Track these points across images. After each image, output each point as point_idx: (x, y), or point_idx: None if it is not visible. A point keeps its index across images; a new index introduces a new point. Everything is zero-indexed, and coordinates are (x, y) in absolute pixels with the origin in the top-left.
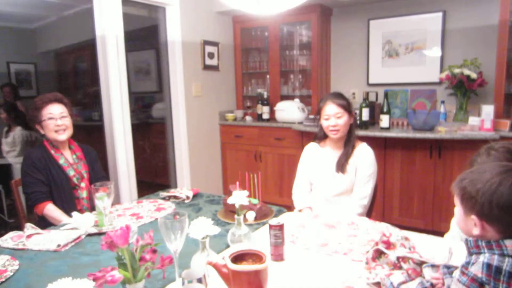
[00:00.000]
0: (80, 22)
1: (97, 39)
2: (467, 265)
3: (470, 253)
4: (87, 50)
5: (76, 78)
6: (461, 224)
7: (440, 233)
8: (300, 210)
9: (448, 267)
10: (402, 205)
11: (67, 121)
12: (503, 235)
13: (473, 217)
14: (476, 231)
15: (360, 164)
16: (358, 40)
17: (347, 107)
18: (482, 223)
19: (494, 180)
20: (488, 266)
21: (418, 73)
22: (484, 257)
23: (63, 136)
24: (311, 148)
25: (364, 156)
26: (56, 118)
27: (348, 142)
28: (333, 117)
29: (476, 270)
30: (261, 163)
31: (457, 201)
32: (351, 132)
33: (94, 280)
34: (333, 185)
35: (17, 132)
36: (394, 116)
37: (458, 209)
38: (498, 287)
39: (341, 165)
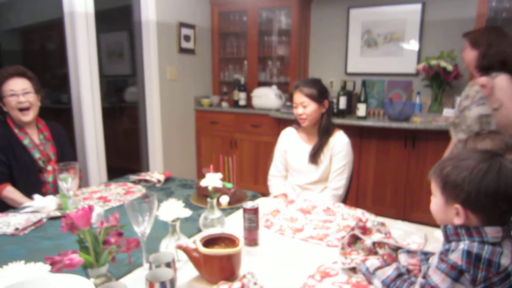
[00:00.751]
0: None
1: (65, 16)
2: (446, 252)
3: (449, 241)
4: (56, 29)
5: (44, 59)
6: (440, 213)
7: (411, 222)
8: (275, 197)
9: (425, 253)
10: (376, 193)
11: (31, 98)
12: (484, 223)
13: (457, 206)
14: (458, 220)
15: (334, 155)
16: (338, 29)
17: (315, 96)
18: (466, 211)
19: (480, 167)
20: (468, 253)
21: (396, 64)
22: (464, 244)
23: (28, 117)
24: (288, 133)
25: (338, 147)
26: (18, 95)
27: (321, 132)
28: (300, 105)
29: (456, 257)
30: (236, 150)
31: (436, 190)
32: (325, 122)
33: (51, 264)
34: (307, 175)
35: None
36: (371, 106)
37: (437, 198)
38: (477, 275)
39: (314, 157)
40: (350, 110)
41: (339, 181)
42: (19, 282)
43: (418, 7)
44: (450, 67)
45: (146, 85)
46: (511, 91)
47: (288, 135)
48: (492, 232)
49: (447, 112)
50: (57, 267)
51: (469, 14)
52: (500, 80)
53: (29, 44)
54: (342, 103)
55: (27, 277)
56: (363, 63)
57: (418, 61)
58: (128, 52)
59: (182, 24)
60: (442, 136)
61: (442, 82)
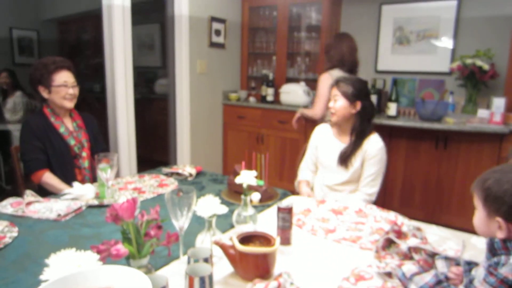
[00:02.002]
0: None
1: (104, 9)
2: (495, 265)
3: (496, 254)
4: (91, 20)
5: (78, 48)
6: (483, 227)
7: (440, 225)
8: (299, 182)
9: (468, 263)
10: (404, 194)
11: (77, 90)
12: None
13: (499, 219)
14: (501, 233)
15: (367, 159)
16: (369, 25)
17: (348, 94)
18: (508, 225)
19: None
20: None
21: (428, 62)
22: None
23: (71, 104)
24: (321, 129)
25: (372, 151)
26: (69, 87)
27: (353, 133)
28: (332, 99)
29: (507, 271)
30: (262, 145)
31: (478, 203)
32: (357, 123)
33: (98, 252)
34: (335, 174)
35: (18, 97)
36: (401, 105)
37: (479, 212)
38: None
39: (344, 160)
40: (380, 108)
41: (372, 187)
42: (80, 272)
43: (453, 3)
44: (486, 66)
45: (176, 78)
46: None
47: (321, 131)
48: None
49: (482, 113)
50: (103, 255)
51: (507, 12)
52: None
53: (66, 34)
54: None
55: (81, 266)
56: (394, 61)
57: (452, 60)
58: (158, 44)
59: (213, 19)
60: (476, 138)
61: (478, 82)
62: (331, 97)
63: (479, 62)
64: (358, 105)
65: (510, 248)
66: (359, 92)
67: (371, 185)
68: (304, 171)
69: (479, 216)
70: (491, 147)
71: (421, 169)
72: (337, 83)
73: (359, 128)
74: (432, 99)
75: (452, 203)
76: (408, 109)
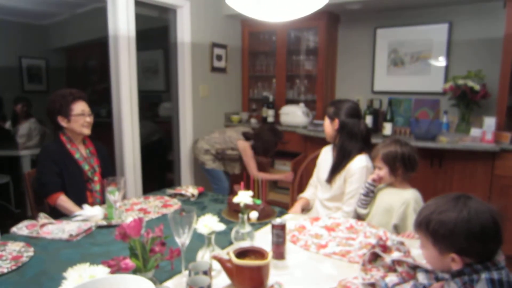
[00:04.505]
0: (91, 21)
1: (110, 39)
2: (471, 282)
3: (463, 273)
4: (97, 48)
5: (85, 75)
6: (437, 263)
7: None
8: (299, 198)
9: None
10: None
11: (92, 119)
12: (481, 259)
13: (453, 255)
14: (456, 266)
15: (348, 177)
16: (365, 48)
17: (330, 113)
18: (461, 257)
19: (462, 216)
20: (492, 281)
21: (423, 83)
22: (485, 273)
23: (89, 131)
24: (326, 148)
25: (351, 170)
26: (86, 115)
27: (336, 151)
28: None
29: (481, 287)
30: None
31: (427, 243)
32: (339, 141)
33: (109, 267)
34: (323, 190)
35: (32, 124)
36: (397, 124)
37: (429, 250)
38: None
39: (330, 175)
40: (376, 128)
41: (349, 205)
42: (94, 280)
43: (445, 26)
44: (477, 87)
45: (180, 101)
46: None
47: (325, 150)
48: (500, 258)
49: (475, 132)
50: (113, 270)
51: (497, 34)
52: None
53: (73, 61)
54: (368, 121)
55: (95, 276)
56: (390, 81)
57: (446, 80)
58: (162, 69)
59: (215, 44)
60: (469, 156)
61: (470, 102)
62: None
63: (470, 83)
64: (336, 122)
65: (477, 269)
66: (338, 110)
67: (348, 204)
68: (308, 187)
69: (431, 255)
70: (484, 165)
71: (417, 187)
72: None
73: (341, 146)
74: (427, 118)
75: None
76: (404, 128)
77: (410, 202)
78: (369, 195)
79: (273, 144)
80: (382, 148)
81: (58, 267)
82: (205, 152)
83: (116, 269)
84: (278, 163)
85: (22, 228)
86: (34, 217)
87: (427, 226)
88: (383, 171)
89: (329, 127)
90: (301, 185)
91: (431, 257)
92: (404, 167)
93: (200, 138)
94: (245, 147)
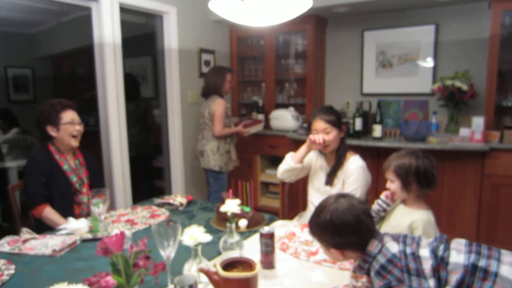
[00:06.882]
0: (77, 28)
1: (95, 46)
2: (383, 270)
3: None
4: (84, 55)
5: (73, 83)
6: (331, 257)
7: None
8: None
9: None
10: None
11: (82, 128)
12: (361, 248)
13: (333, 251)
14: (340, 258)
15: (346, 178)
16: (353, 51)
17: (335, 122)
18: (341, 251)
19: (326, 216)
20: (383, 266)
21: (411, 84)
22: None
23: (77, 143)
24: (315, 154)
25: (349, 171)
26: (76, 124)
27: (339, 155)
28: (321, 132)
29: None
30: (254, 170)
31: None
32: (342, 145)
33: (89, 285)
34: (323, 195)
35: (15, 134)
36: (387, 126)
37: (323, 248)
38: (396, 272)
39: (330, 179)
40: (366, 130)
41: None
42: None
43: (431, 28)
44: (465, 87)
45: (168, 107)
46: None
47: (314, 155)
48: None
49: (464, 131)
50: (94, 287)
51: (483, 35)
52: None
53: (60, 69)
54: (358, 124)
55: None
56: (379, 83)
57: (434, 81)
58: (151, 76)
59: (203, 50)
60: (459, 156)
61: (458, 102)
62: (319, 131)
63: (458, 83)
64: (344, 128)
65: (367, 260)
66: (340, 116)
67: None
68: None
69: (325, 252)
70: (474, 164)
71: None
72: (319, 116)
73: (342, 149)
74: (417, 119)
75: (440, 220)
76: (394, 130)
77: (418, 226)
78: (380, 214)
79: (222, 77)
80: (395, 159)
81: (40, 285)
82: (213, 153)
83: (97, 287)
84: (269, 168)
85: (3, 245)
86: (17, 231)
87: (312, 230)
88: (395, 185)
89: (337, 137)
90: (292, 190)
91: (326, 254)
92: (418, 182)
93: (200, 147)
94: (220, 103)
